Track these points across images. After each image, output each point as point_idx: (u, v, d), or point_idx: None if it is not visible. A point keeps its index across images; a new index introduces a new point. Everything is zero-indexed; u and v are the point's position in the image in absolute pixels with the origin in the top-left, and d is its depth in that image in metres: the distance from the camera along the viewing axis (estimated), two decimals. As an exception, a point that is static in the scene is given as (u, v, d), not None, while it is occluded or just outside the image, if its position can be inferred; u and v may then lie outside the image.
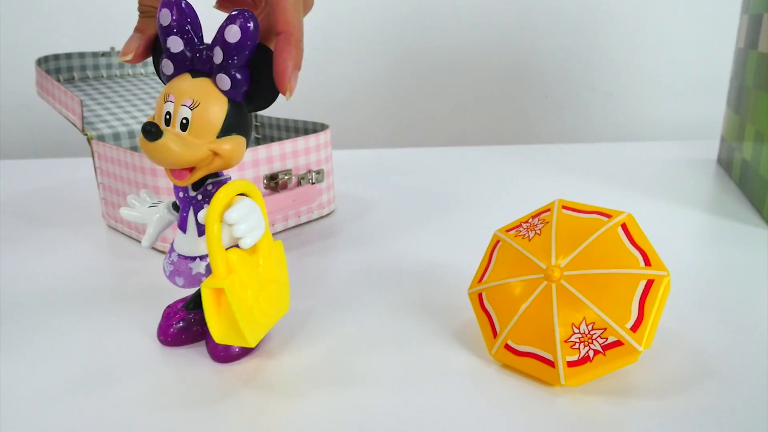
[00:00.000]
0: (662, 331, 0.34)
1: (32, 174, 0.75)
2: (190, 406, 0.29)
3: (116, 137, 0.57)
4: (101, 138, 0.56)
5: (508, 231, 0.34)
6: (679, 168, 0.71)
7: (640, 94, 1.00)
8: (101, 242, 0.51)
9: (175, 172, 0.29)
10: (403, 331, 0.36)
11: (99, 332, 0.36)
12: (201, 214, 0.30)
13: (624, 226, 0.31)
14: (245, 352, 0.34)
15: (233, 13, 0.28)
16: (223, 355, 0.33)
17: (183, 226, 0.32)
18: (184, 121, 0.28)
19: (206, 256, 0.31)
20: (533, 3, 0.95)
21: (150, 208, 0.34)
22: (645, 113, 1.01)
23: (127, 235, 0.52)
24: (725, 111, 0.70)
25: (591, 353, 0.28)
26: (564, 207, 0.33)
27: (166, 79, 0.30)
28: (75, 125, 0.53)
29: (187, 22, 0.29)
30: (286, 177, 0.51)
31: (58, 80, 0.61)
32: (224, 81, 0.29)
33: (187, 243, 0.32)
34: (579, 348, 0.29)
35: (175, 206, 0.34)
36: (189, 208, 0.31)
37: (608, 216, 0.32)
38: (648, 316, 0.28)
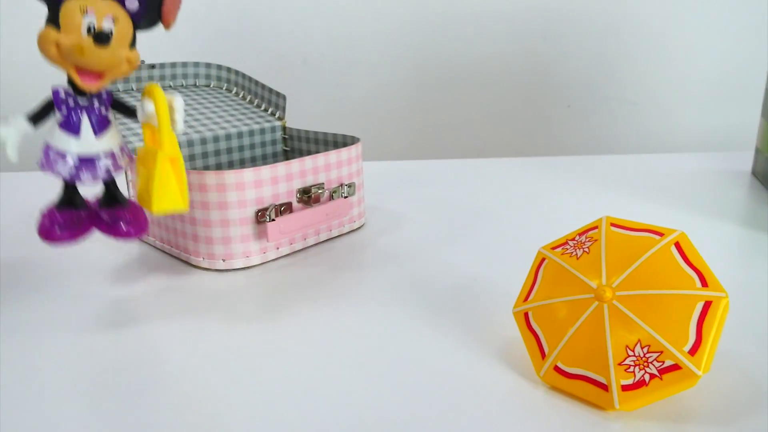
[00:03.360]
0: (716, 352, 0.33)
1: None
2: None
3: (147, 150, 0.57)
4: (133, 151, 0.56)
5: (553, 249, 0.34)
6: (713, 180, 0.70)
7: (665, 104, 0.99)
8: (133, 255, 0.51)
9: (87, 77, 0.35)
10: (443, 351, 0.35)
11: (134, 344, 0.36)
12: (147, 107, 0.37)
13: (678, 245, 0.30)
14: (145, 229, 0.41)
15: None
16: (135, 231, 0.40)
17: (76, 130, 0.37)
18: (109, 33, 0.34)
19: (109, 152, 0.38)
20: (556, 12, 0.94)
21: (2, 126, 0.36)
22: (670, 123, 1.00)
23: (159, 249, 0.52)
24: (760, 122, 0.68)
25: (647, 377, 0.27)
26: (612, 224, 0.33)
27: None
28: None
29: None
30: (319, 191, 0.50)
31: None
32: (133, 4, 0.36)
33: (85, 145, 0.37)
34: (634, 371, 0.28)
35: (31, 118, 0.37)
36: (81, 113, 0.37)
37: (660, 234, 0.31)
38: (707, 339, 0.27)
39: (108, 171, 0.38)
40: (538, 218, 0.58)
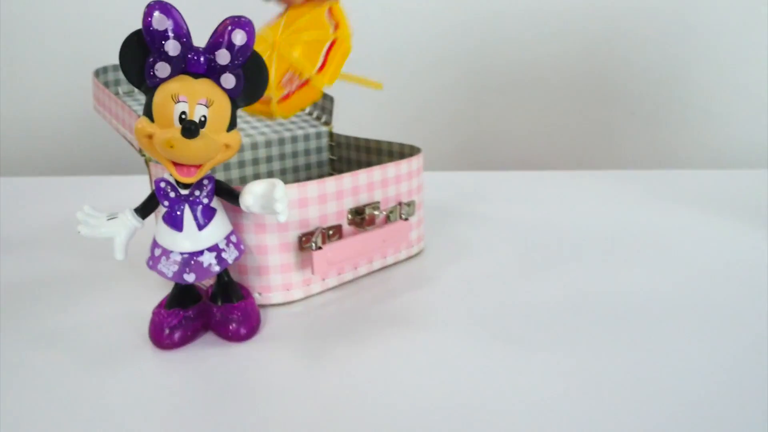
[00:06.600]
0: None
1: (92, 192, 0.70)
2: None
3: (177, 158, 0.50)
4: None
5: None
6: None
7: (739, 114, 0.87)
8: (157, 284, 0.44)
9: (183, 170, 0.30)
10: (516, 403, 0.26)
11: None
12: (253, 189, 0.32)
13: (330, 9, 0.42)
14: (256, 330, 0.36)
15: (235, 18, 0.30)
16: (245, 332, 0.35)
17: (179, 226, 0.32)
18: (203, 119, 0.30)
19: (213, 246, 0.33)
20: (620, 11, 0.84)
21: (110, 221, 0.32)
22: (745, 136, 0.88)
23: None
24: None
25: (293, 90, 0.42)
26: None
27: (153, 82, 0.30)
28: (132, 144, 0.46)
29: (182, 26, 0.29)
30: (375, 211, 0.42)
31: (117, 93, 0.54)
32: (230, 80, 0.31)
33: (189, 240, 0.32)
34: (286, 87, 0.41)
35: (139, 212, 0.33)
36: (183, 207, 0.32)
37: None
38: (330, 64, 0.41)
39: (212, 269, 0.33)
40: (619, 240, 0.49)
